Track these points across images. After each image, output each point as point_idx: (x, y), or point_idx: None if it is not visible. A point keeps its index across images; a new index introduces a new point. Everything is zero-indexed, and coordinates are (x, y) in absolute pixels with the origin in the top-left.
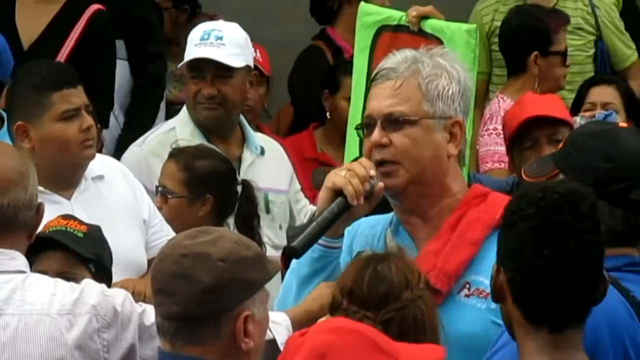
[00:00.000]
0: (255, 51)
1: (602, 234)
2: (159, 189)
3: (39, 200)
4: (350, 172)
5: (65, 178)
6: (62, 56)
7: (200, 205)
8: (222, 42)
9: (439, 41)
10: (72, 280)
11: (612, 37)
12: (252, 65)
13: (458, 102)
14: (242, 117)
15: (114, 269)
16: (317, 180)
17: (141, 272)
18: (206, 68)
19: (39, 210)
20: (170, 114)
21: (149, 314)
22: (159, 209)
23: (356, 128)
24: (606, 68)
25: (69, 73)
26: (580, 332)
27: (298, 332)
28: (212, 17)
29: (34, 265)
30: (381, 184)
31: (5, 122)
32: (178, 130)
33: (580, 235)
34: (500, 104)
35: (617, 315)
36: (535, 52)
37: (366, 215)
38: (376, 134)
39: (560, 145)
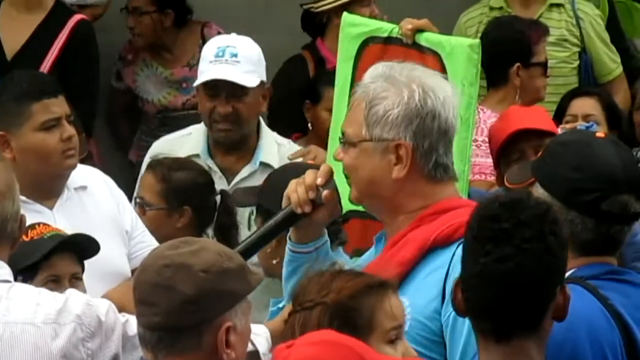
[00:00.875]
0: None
1: (552, 245)
2: (137, 200)
3: (21, 210)
4: (299, 181)
5: (47, 188)
6: (45, 65)
7: (178, 216)
8: (237, 59)
9: (435, 55)
10: (80, 281)
11: (597, 49)
12: (264, 79)
13: (402, 126)
14: (267, 131)
15: (96, 280)
16: (237, 198)
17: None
18: (221, 87)
19: (21, 222)
20: (167, 120)
21: (132, 324)
22: (141, 217)
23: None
24: (590, 80)
25: (49, 83)
26: (532, 342)
27: (284, 343)
28: (205, 25)
29: (43, 271)
30: (326, 192)
31: None
32: (194, 136)
33: (517, 244)
34: (481, 115)
35: (596, 324)
36: (517, 64)
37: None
38: (337, 149)
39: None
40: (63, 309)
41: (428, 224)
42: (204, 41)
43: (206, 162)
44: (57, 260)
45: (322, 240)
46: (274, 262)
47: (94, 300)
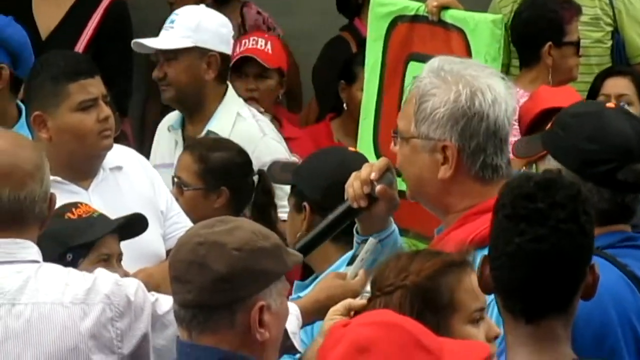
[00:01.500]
0: (266, 44)
1: (586, 225)
2: (175, 180)
3: (54, 190)
4: (357, 174)
5: (83, 168)
6: (80, 45)
7: (215, 197)
8: (172, 25)
9: (460, 31)
10: (120, 262)
11: (630, 29)
12: (210, 47)
13: (448, 126)
14: (230, 101)
15: (132, 261)
16: (274, 174)
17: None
18: (158, 53)
19: (51, 201)
20: None
21: (162, 303)
22: (177, 199)
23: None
24: (622, 60)
25: (86, 63)
26: (562, 323)
27: (340, 321)
28: (244, 4)
29: (95, 250)
30: (379, 187)
31: (24, 114)
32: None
33: (552, 224)
34: None
35: (621, 295)
36: (549, 43)
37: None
38: (393, 142)
39: (550, 124)
40: (92, 289)
41: (471, 222)
42: (244, 20)
43: (175, 133)
44: (109, 239)
45: (387, 232)
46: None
47: (123, 280)
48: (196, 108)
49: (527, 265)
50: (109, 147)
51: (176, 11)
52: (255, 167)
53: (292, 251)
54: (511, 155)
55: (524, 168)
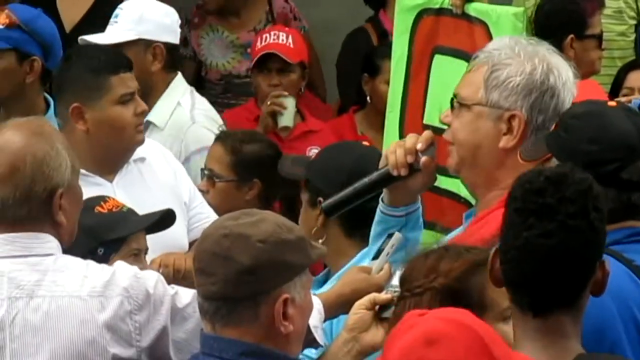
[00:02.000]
0: (287, 38)
1: (595, 221)
2: (206, 172)
3: (82, 182)
4: (400, 143)
5: (115, 161)
6: None
7: (247, 189)
8: (116, 20)
9: (483, 24)
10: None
11: None
12: (154, 38)
13: (520, 96)
14: (173, 91)
15: (156, 253)
16: (285, 168)
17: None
18: None
19: (52, 197)
20: (230, 87)
21: (182, 296)
22: (205, 192)
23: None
24: None
25: (123, 57)
26: (570, 318)
27: (418, 311)
28: None
29: (127, 244)
30: (425, 158)
31: (52, 106)
32: None
33: (561, 219)
34: None
35: (624, 289)
36: (571, 36)
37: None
38: (445, 112)
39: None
40: (110, 282)
41: None
42: (271, 7)
43: None
44: (139, 234)
45: (415, 206)
46: (320, 241)
47: (142, 273)
48: (145, 99)
49: (535, 259)
50: (142, 142)
51: (120, 5)
52: (183, 155)
53: (316, 244)
54: (519, 159)
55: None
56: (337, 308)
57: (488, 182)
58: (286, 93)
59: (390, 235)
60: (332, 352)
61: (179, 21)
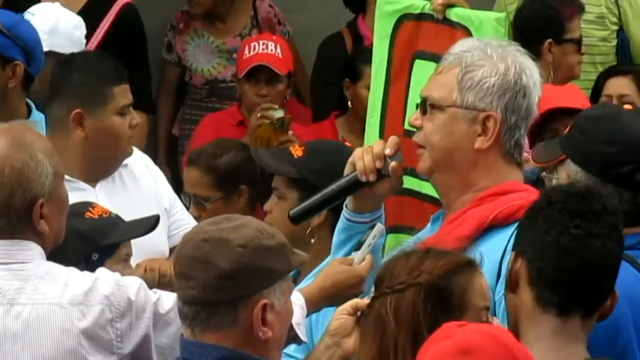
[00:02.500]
0: (276, 47)
1: (622, 238)
2: (192, 199)
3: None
4: (367, 149)
5: (105, 170)
6: (89, 49)
7: (237, 198)
8: None
9: (465, 30)
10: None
11: (636, 29)
12: (64, 51)
13: (495, 96)
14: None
15: (137, 258)
16: (265, 160)
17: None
18: None
19: (32, 207)
20: (215, 91)
21: (164, 301)
22: (197, 218)
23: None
24: (627, 59)
25: (122, 69)
26: (585, 327)
27: (457, 322)
28: None
29: (120, 250)
30: (394, 163)
31: (34, 112)
32: None
33: (606, 226)
34: None
35: (636, 292)
36: (549, 40)
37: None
38: (414, 115)
39: (569, 128)
40: (91, 290)
41: (489, 203)
42: (256, 12)
43: None
44: (130, 240)
45: (379, 212)
46: (312, 240)
47: (124, 280)
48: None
49: (580, 257)
50: (131, 153)
51: (32, 10)
52: None
53: (298, 251)
54: (530, 161)
55: (543, 173)
56: (319, 301)
57: (462, 185)
58: (276, 106)
59: (371, 227)
60: (314, 357)
61: (85, 31)
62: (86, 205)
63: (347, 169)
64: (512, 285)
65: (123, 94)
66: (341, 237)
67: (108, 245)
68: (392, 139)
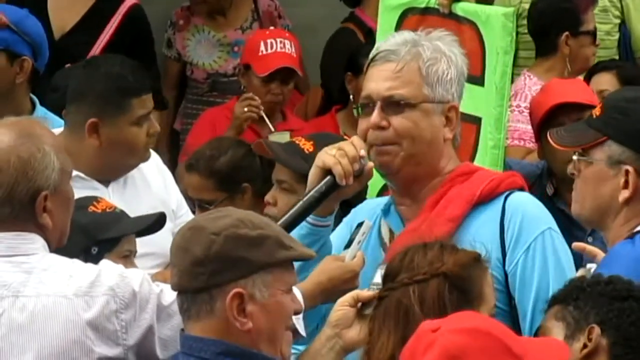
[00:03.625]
0: (291, 46)
1: None
2: (197, 203)
3: (75, 184)
4: (340, 151)
5: (117, 173)
6: (96, 50)
7: (241, 196)
8: None
9: (472, 24)
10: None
11: (637, 22)
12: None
13: (455, 86)
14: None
15: (142, 257)
16: (280, 155)
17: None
18: None
19: (35, 199)
20: (216, 85)
21: (167, 294)
22: None
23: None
24: (628, 53)
25: (147, 78)
26: None
27: (429, 327)
28: None
29: (121, 245)
30: (370, 163)
31: (37, 106)
32: None
33: None
34: (527, 81)
35: None
36: (566, 33)
37: (358, 194)
38: (375, 116)
39: (597, 112)
40: (96, 281)
41: (461, 183)
42: (256, 6)
43: None
44: (131, 237)
45: (334, 214)
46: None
47: (127, 272)
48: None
49: None
50: (148, 159)
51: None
52: None
53: (297, 245)
54: (535, 153)
55: (574, 156)
56: (316, 296)
57: (432, 173)
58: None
59: (360, 224)
60: (315, 348)
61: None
62: (90, 200)
63: (314, 173)
64: (588, 353)
65: (141, 105)
66: (305, 242)
67: (108, 240)
68: (357, 139)
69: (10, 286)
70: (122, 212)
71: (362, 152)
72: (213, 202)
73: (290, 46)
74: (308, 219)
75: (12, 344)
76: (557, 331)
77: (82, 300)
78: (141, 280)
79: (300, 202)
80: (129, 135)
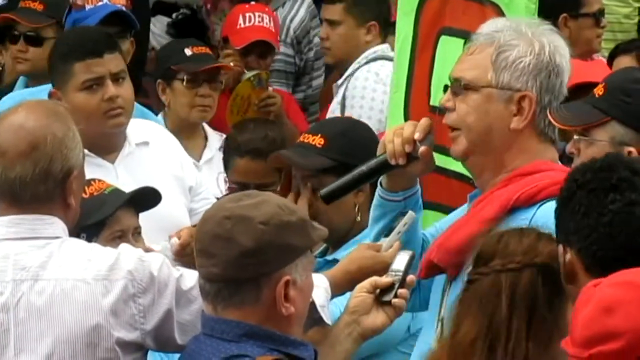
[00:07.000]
0: (270, 20)
1: None
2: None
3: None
4: (398, 131)
5: (101, 144)
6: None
7: None
8: None
9: (495, 7)
10: (140, 236)
11: None
12: None
13: (531, 76)
14: None
15: (154, 232)
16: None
17: None
18: None
19: (67, 178)
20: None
21: (186, 278)
22: None
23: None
24: None
25: (97, 42)
26: None
27: (592, 281)
28: None
29: (108, 227)
30: (423, 148)
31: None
32: None
33: (639, 188)
34: None
35: None
36: (564, 15)
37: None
38: (445, 97)
39: (600, 91)
40: (114, 265)
41: (515, 183)
42: None
43: None
44: (121, 214)
45: (412, 190)
46: (358, 218)
47: (147, 256)
48: None
49: (626, 229)
50: (120, 125)
51: None
52: None
53: (318, 226)
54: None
55: (575, 135)
56: (343, 285)
57: (496, 166)
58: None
59: (403, 214)
60: (333, 334)
61: None
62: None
63: (380, 149)
64: (568, 278)
65: (86, 69)
66: (376, 213)
67: (94, 224)
68: (423, 123)
69: (29, 269)
70: (113, 192)
71: (417, 136)
72: (274, 183)
73: (269, 20)
74: (378, 190)
75: (30, 328)
76: None
77: (101, 284)
78: (160, 265)
79: (349, 174)
80: (76, 102)
